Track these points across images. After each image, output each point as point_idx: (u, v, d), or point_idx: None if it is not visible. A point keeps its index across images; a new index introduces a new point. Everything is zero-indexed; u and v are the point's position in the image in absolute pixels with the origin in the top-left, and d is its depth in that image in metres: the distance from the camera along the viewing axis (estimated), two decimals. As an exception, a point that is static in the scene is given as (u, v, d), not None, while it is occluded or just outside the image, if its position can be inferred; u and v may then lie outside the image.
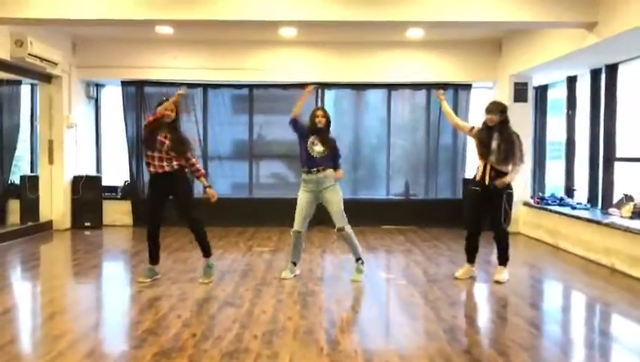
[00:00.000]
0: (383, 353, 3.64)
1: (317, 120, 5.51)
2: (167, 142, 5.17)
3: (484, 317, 4.68)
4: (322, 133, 5.52)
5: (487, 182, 5.45)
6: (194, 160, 5.47)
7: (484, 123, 5.55)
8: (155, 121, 5.14)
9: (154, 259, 5.49)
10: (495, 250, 5.74)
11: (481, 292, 5.49)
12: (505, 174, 5.43)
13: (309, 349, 3.67)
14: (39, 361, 3.50)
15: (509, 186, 5.49)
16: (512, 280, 5.69)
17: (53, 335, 3.96)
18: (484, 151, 5.49)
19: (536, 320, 4.49)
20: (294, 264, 5.70)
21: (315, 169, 5.45)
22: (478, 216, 5.67)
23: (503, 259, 5.65)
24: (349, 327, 4.21)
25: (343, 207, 5.50)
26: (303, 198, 5.53)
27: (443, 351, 3.68)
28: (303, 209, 5.52)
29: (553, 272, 6.56)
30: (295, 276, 5.64)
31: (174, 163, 5.24)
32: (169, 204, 5.34)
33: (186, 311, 4.47)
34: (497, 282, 5.50)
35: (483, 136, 5.50)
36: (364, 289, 5.37)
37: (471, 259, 5.77)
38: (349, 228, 5.50)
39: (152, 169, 5.27)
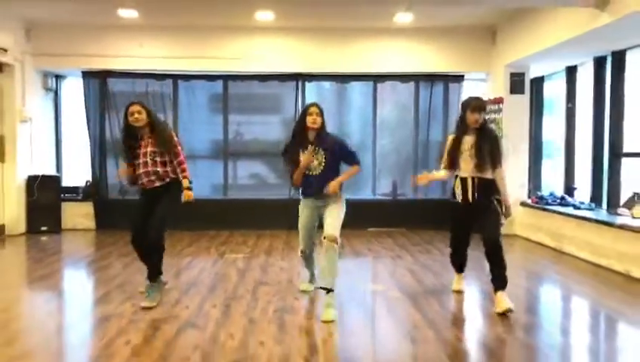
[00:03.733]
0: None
1: (310, 119, 4.36)
2: (148, 148, 4.51)
3: (490, 338, 3.95)
4: (319, 137, 4.41)
5: (472, 197, 4.50)
6: (182, 157, 4.64)
7: (463, 125, 4.55)
8: (127, 129, 4.56)
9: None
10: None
11: (483, 305, 4.80)
12: (490, 182, 4.48)
13: (284, 386, 2.94)
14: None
15: (491, 195, 4.48)
16: (516, 291, 5.02)
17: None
18: (461, 159, 4.54)
19: (543, 336, 3.82)
20: (312, 275, 4.99)
21: (311, 195, 4.50)
22: (465, 232, 4.78)
23: (503, 282, 4.41)
24: (331, 354, 3.48)
25: (341, 221, 4.45)
26: (303, 215, 4.61)
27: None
28: (304, 227, 4.61)
29: (561, 281, 5.88)
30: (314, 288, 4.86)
31: (162, 171, 4.54)
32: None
33: (137, 336, 3.71)
34: (503, 313, 4.23)
35: (462, 143, 4.54)
36: (352, 303, 4.63)
37: (460, 270, 4.99)
38: (338, 246, 4.31)
39: (140, 183, 4.59)
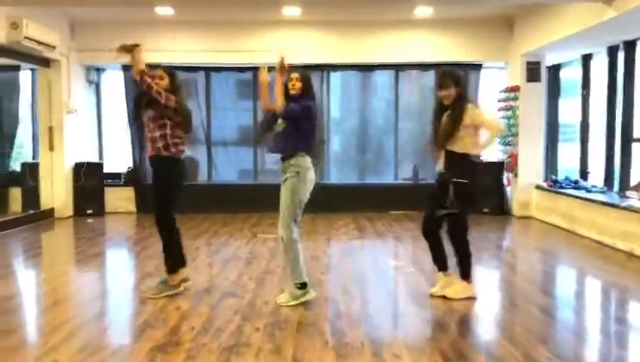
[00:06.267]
0: (391, 345, 3.44)
1: (290, 85, 4.21)
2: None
3: (496, 307, 4.43)
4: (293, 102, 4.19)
5: (440, 170, 4.36)
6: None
7: (438, 103, 4.37)
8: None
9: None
10: (506, 236, 5.41)
11: (492, 279, 5.27)
12: (464, 157, 4.22)
13: (313, 342, 3.47)
14: (38, 351, 3.34)
15: (458, 173, 4.19)
16: (524, 267, 5.47)
17: (51, 326, 3.83)
18: (432, 134, 4.42)
19: (550, 308, 4.28)
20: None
21: (280, 158, 4.28)
22: (431, 212, 4.44)
23: (461, 271, 4.38)
24: (355, 317, 4.00)
25: (290, 207, 4.16)
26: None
27: (456, 344, 3.47)
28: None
29: (567, 258, 6.31)
30: None
31: (156, 137, 4.36)
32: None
33: (185, 303, 4.28)
34: (444, 297, 4.32)
35: (434, 119, 4.38)
36: (371, 278, 5.17)
37: (442, 266, 4.47)
38: (289, 238, 4.19)
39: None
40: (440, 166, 4.38)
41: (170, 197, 4.45)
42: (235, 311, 4.07)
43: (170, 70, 4.46)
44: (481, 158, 4.59)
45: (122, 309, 4.36)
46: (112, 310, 4.37)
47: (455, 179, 4.20)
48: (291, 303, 4.18)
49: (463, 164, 4.23)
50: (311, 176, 4.22)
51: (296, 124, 4.16)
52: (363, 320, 3.94)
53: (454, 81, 4.23)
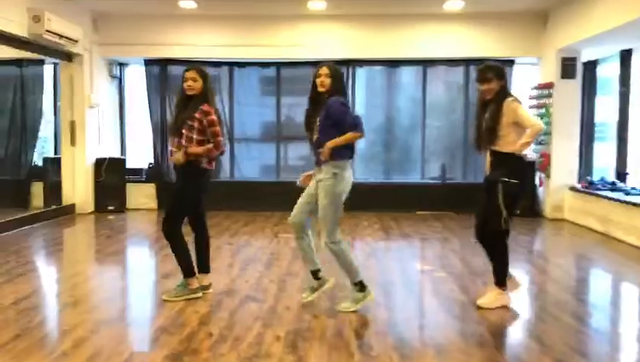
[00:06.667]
0: (421, 360, 3.20)
1: (318, 82, 3.90)
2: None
3: (533, 317, 4.15)
4: (321, 101, 3.93)
5: (485, 172, 4.22)
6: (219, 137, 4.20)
7: (480, 99, 4.14)
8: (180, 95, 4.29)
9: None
10: (538, 239, 5.08)
11: (525, 285, 4.97)
12: (510, 156, 3.96)
13: (338, 354, 3.25)
14: (48, 356, 3.18)
15: (505, 173, 3.94)
16: (560, 273, 5.17)
17: (64, 329, 3.69)
18: (475, 134, 4.17)
19: (591, 321, 3.98)
20: (314, 273, 4.20)
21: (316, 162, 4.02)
22: (483, 219, 4.17)
23: (496, 277, 4.15)
24: (382, 328, 3.76)
25: (330, 215, 3.92)
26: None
27: (493, 359, 3.22)
28: (302, 196, 4.15)
29: (606, 264, 5.98)
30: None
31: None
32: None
33: (204, 307, 4.10)
34: (479, 307, 4.11)
35: (476, 117, 4.17)
36: (399, 283, 4.92)
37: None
38: (333, 243, 3.97)
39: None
40: (486, 167, 4.17)
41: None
42: (256, 317, 3.87)
43: (203, 72, 4.21)
44: (528, 157, 4.20)
45: (139, 312, 4.20)
46: (128, 313, 4.20)
47: (503, 179, 3.92)
48: (352, 309, 3.97)
49: (510, 164, 3.96)
50: (349, 176, 3.95)
51: (330, 125, 3.88)
52: (391, 330, 3.70)
53: (496, 74, 3.98)
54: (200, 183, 4.22)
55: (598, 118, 8.68)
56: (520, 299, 4.40)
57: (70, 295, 4.55)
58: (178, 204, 4.22)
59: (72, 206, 8.52)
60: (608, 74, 8.44)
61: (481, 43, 8.59)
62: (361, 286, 4.03)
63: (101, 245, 6.71)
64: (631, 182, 7.58)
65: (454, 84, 9.20)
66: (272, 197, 8.84)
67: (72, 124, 8.43)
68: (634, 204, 6.46)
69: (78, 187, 8.56)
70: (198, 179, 4.20)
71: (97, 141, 8.81)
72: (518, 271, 5.28)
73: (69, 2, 7.68)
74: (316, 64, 4.22)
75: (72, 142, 8.45)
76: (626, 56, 7.76)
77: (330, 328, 3.68)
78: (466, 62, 8.89)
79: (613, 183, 7.53)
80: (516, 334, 3.79)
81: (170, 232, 4.19)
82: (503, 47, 8.56)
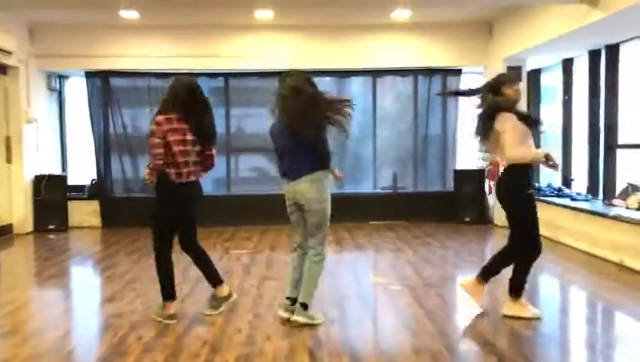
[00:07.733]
0: (378, 380, 3.10)
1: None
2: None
3: (488, 330, 4.10)
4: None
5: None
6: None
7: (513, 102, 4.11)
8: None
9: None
10: (488, 247, 5.09)
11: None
12: (511, 167, 4.06)
13: (291, 378, 3.10)
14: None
15: (510, 186, 4.04)
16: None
17: (-9, 366, 3.38)
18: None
19: (549, 332, 3.97)
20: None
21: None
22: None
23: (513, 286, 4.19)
24: (337, 346, 3.63)
25: (324, 222, 4.00)
26: None
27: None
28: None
29: (555, 270, 6.04)
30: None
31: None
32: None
33: (149, 332, 3.87)
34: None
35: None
36: (354, 297, 4.80)
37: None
38: (324, 254, 4.10)
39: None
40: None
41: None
42: (203, 341, 3.68)
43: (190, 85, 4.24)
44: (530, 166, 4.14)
45: (78, 340, 3.93)
46: (66, 342, 3.90)
47: (505, 192, 4.06)
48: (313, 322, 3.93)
49: (510, 175, 4.07)
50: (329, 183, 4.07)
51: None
52: (345, 348, 3.58)
53: (489, 89, 4.22)
54: (170, 199, 4.09)
55: (542, 125, 8.85)
56: (473, 308, 4.36)
57: (7, 323, 4.23)
58: (154, 221, 4.20)
59: (9, 226, 8.07)
60: (552, 82, 8.64)
61: (429, 53, 8.65)
62: (306, 307, 3.97)
63: (40, 267, 6.33)
64: (576, 187, 7.75)
65: (404, 94, 9.23)
66: (223, 212, 8.63)
67: (8, 140, 7.99)
68: (580, 210, 6.59)
69: (15, 206, 8.12)
70: (168, 194, 4.08)
71: (36, 157, 8.39)
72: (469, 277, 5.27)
73: (1, 12, 7.28)
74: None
75: (8, 160, 8.01)
76: (567, 65, 7.96)
77: (282, 350, 3.52)
78: (415, 72, 8.94)
79: (559, 189, 7.68)
80: (469, 345, 3.73)
81: (156, 250, 4.17)
82: (451, 56, 8.66)
